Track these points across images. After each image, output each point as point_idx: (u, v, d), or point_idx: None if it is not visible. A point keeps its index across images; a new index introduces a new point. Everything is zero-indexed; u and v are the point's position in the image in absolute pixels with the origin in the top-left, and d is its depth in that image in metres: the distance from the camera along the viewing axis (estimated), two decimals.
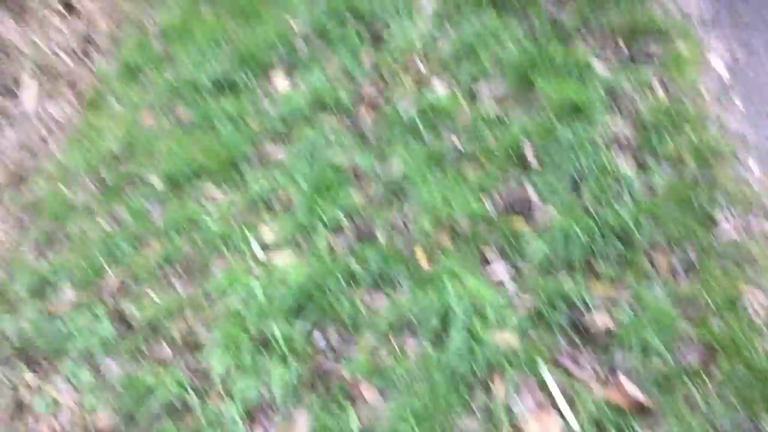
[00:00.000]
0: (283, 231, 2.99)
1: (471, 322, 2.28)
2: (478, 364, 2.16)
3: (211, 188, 3.42)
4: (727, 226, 2.41)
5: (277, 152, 3.47)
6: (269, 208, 3.18)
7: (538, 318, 2.27)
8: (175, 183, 3.53)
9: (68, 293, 3.29)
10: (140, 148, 3.76)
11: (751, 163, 2.78)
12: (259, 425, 2.33)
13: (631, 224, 2.45)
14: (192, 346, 2.74)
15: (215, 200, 3.36)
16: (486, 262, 2.56)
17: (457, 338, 2.23)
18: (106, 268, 3.26)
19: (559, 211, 2.59)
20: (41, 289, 3.41)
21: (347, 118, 3.52)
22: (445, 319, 2.33)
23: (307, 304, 2.60)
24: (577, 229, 2.45)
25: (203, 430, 2.34)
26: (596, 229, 2.45)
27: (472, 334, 2.25)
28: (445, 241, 2.68)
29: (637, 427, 1.85)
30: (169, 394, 2.48)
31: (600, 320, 2.17)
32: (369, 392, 2.25)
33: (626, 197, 2.59)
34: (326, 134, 3.39)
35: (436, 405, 2.09)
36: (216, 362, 2.49)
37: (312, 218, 2.97)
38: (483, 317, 2.29)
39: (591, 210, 2.55)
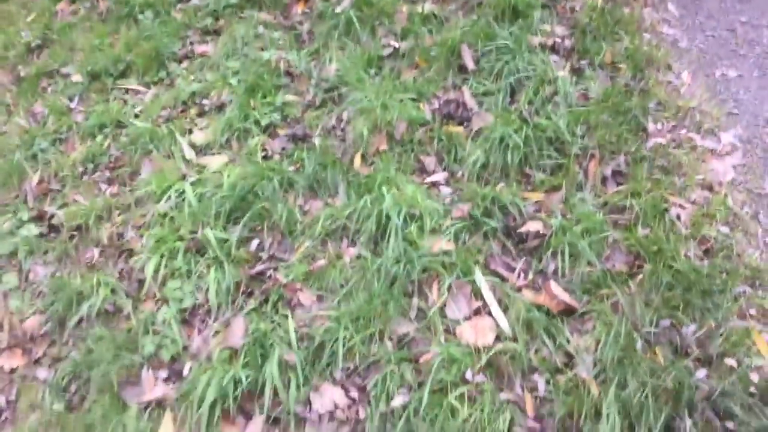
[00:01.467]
0: (215, 133, 2.84)
1: (407, 228, 2.25)
2: (414, 269, 2.14)
3: (136, 86, 3.20)
4: (658, 135, 2.41)
5: (206, 49, 3.26)
6: (200, 108, 3.00)
7: (472, 224, 2.25)
8: (96, 79, 3.28)
9: None
10: (57, 41, 3.46)
11: (683, 71, 2.78)
12: (195, 329, 2.28)
13: (564, 131, 2.43)
14: (122, 250, 2.62)
15: (141, 99, 3.15)
16: (423, 168, 2.51)
17: (393, 244, 2.20)
18: (27, 169, 3.05)
19: (496, 117, 2.54)
20: None
21: (280, 13, 3.31)
22: (382, 225, 2.29)
23: (241, 208, 2.50)
24: (514, 136, 2.41)
25: (136, 332, 2.27)
26: (531, 135, 2.42)
27: (408, 240, 2.22)
28: (382, 146, 2.60)
29: (564, 329, 1.90)
30: (100, 298, 2.38)
31: (532, 226, 2.18)
32: (306, 297, 2.22)
33: (561, 104, 2.56)
34: (258, 31, 3.18)
35: (373, 309, 2.08)
36: (148, 267, 2.39)
37: (245, 120, 2.82)
38: (419, 223, 2.26)
39: (526, 116, 2.51)
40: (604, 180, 2.32)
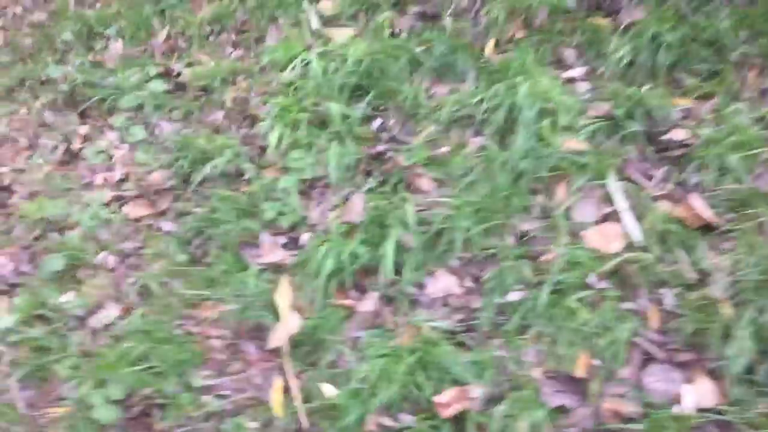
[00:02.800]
0: (344, 4, 2.72)
1: (539, 122, 2.12)
2: (542, 167, 2.04)
3: None
4: None
5: None
6: None
7: (611, 125, 2.10)
8: None
9: (117, 46, 3.11)
10: None
11: None
12: (314, 200, 2.28)
13: (725, 34, 2.18)
14: (245, 115, 2.62)
15: None
16: (561, 61, 2.34)
17: (522, 138, 2.09)
18: (155, 23, 3.05)
19: (649, 12, 2.30)
20: (88, 38, 3.24)
21: None
22: (512, 118, 2.17)
23: (366, 85, 2.43)
24: (667, 35, 2.19)
25: (257, 197, 2.29)
26: (687, 35, 2.19)
27: (539, 136, 2.11)
28: (519, 33, 2.42)
29: (702, 245, 1.78)
30: (224, 159, 2.40)
31: (677, 134, 2.01)
32: (426, 182, 2.16)
33: (724, 4, 2.29)
34: None
35: (496, 202, 2.01)
36: (272, 135, 2.38)
37: None
38: (553, 119, 2.13)
39: (684, 14, 2.27)
40: (763, 93, 2.09)
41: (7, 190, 2.82)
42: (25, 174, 2.82)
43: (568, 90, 2.23)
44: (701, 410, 1.57)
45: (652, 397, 1.62)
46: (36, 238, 2.59)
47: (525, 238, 1.95)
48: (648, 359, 1.69)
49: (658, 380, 1.65)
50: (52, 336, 2.23)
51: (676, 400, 1.61)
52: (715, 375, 1.61)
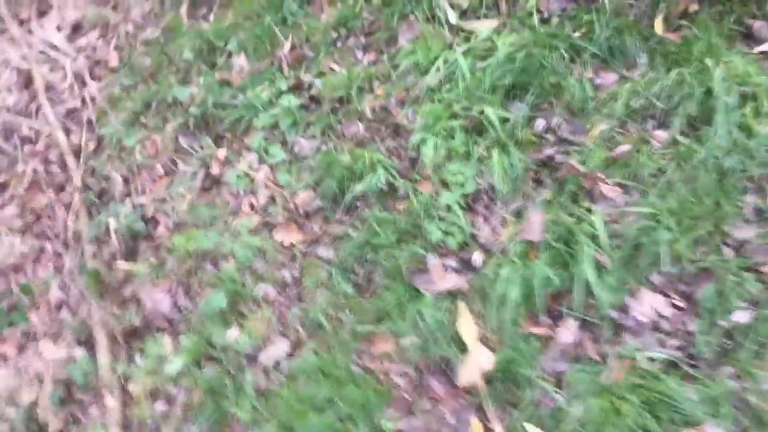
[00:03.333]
0: None
1: (739, 108, 1.87)
2: (752, 162, 1.79)
3: None
4: None
5: None
6: None
7: None
8: None
9: (241, 61, 3.03)
10: None
11: None
12: (480, 216, 2.12)
13: None
14: (387, 125, 2.48)
15: None
16: (749, 35, 2.05)
17: (722, 130, 1.84)
18: (278, 33, 2.94)
19: None
20: (208, 54, 3.17)
21: None
22: (703, 105, 1.92)
23: (522, 82, 2.23)
24: None
25: (416, 215, 2.15)
26: None
27: (740, 125, 1.85)
28: (693, 5, 2.15)
29: None
30: (377, 176, 2.27)
31: None
32: (609, 188, 1.96)
33: None
34: None
35: (700, 208, 1.78)
36: (426, 147, 2.23)
37: None
38: (755, 105, 1.87)
39: None
40: None
41: (152, 221, 2.82)
42: (167, 203, 2.80)
43: (765, 68, 1.95)
44: None
45: None
46: (189, 271, 2.57)
47: (743, 248, 1.72)
48: None
49: None
50: (224, 376, 2.20)
51: None
52: None
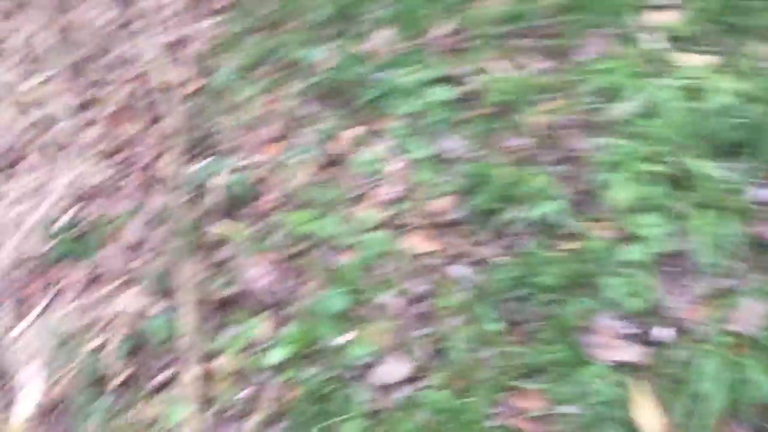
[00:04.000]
0: (701, 20, 2.21)
1: None
2: None
3: None
4: None
5: None
6: None
7: None
8: None
9: (386, 34, 2.74)
10: None
11: None
12: (670, 283, 1.85)
13: None
14: (562, 149, 2.20)
15: None
16: None
17: None
18: (433, 15, 2.64)
19: None
20: (345, 18, 2.88)
21: None
22: None
23: (744, 140, 1.95)
24: None
25: (590, 264, 1.88)
26: None
27: None
28: None
29: None
30: (541, 202, 2.00)
31: None
32: None
33: None
34: None
35: None
36: (615, 186, 1.95)
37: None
38: None
39: None
40: None
41: (257, 187, 2.54)
42: (277, 172, 2.52)
43: None
44: None
45: None
46: (298, 254, 2.30)
47: None
48: None
49: None
50: (331, 383, 1.94)
51: None
52: None
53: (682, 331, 1.75)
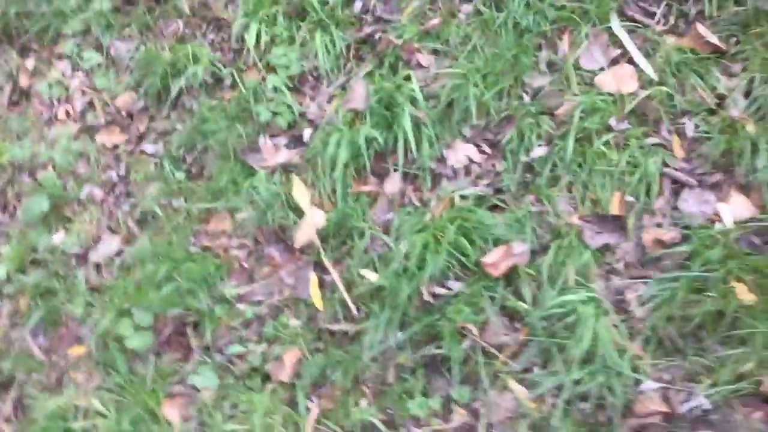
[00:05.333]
0: None
1: None
2: (544, 21, 2.09)
3: None
4: None
5: None
6: None
7: None
8: None
9: None
10: None
11: None
12: (306, 96, 2.28)
13: None
14: (209, 20, 2.55)
15: None
16: None
17: None
18: None
19: None
20: None
21: None
22: None
23: None
24: None
25: (246, 101, 2.27)
26: None
27: None
28: None
29: (715, 71, 1.88)
30: (200, 68, 2.35)
31: None
32: (424, 57, 2.19)
33: None
34: None
35: (502, 64, 2.05)
36: (249, 34, 2.34)
37: None
38: None
39: None
40: None
41: None
42: None
43: None
44: (739, 223, 1.70)
45: (690, 221, 1.74)
46: (4, 186, 2.51)
47: (539, 95, 2.01)
48: (680, 187, 1.81)
49: (692, 204, 1.78)
50: (54, 278, 2.21)
51: (714, 219, 1.74)
52: (747, 189, 1.74)
53: (318, 127, 2.18)
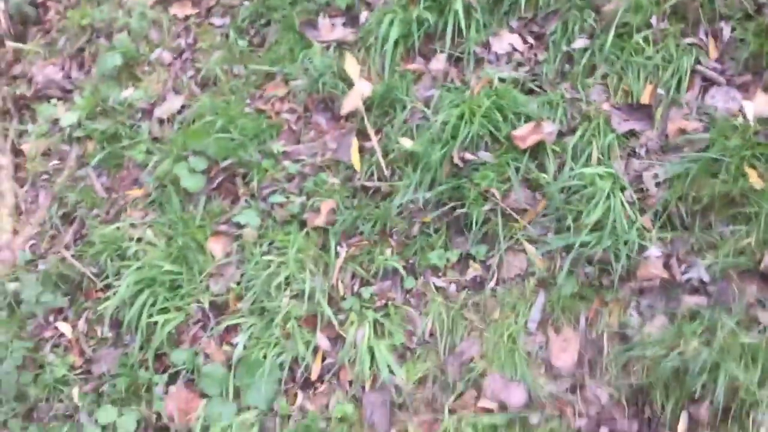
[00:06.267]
0: None
1: None
2: None
3: None
4: None
5: None
6: None
7: None
8: None
9: None
10: None
11: None
12: None
13: None
14: None
15: None
16: None
17: None
18: None
19: None
20: None
21: None
22: None
23: None
24: None
25: None
26: None
27: None
28: None
29: None
30: None
31: None
32: None
33: None
34: None
35: None
36: None
37: None
38: None
39: None
40: None
41: (42, 6, 2.89)
42: None
43: None
44: (761, 120, 1.78)
45: (714, 115, 1.82)
46: (82, 47, 2.70)
47: None
48: (709, 85, 1.89)
49: (719, 101, 1.86)
50: (120, 127, 2.39)
51: (737, 115, 1.81)
52: None
53: (373, 10, 2.29)
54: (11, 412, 1.92)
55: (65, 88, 2.65)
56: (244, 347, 1.89)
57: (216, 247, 2.09)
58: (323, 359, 1.87)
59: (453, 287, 1.88)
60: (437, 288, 1.89)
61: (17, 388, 1.94)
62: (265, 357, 1.86)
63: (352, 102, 2.16)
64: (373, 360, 1.81)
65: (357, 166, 2.10)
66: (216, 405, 1.81)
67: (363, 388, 1.82)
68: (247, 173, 2.18)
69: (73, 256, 2.20)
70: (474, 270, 1.88)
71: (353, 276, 1.96)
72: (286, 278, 1.95)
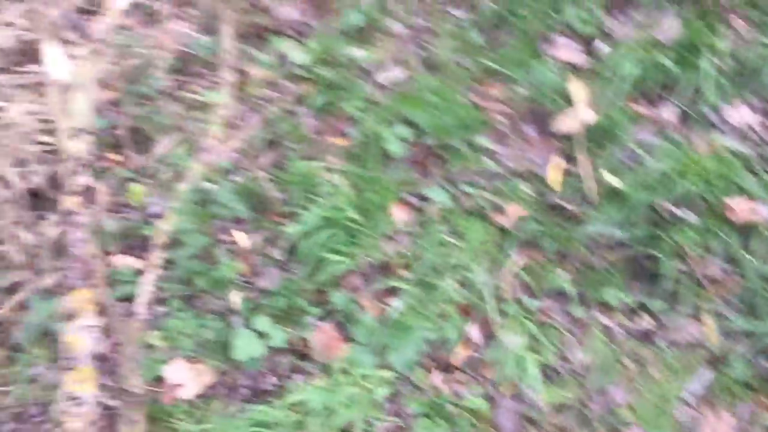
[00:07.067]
0: None
1: None
2: None
3: None
4: None
5: None
6: None
7: None
8: None
9: None
10: None
11: None
12: (620, 18, 2.38)
13: None
14: None
15: None
16: None
17: None
18: None
19: None
20: None
21: None
22: None
23: None
24: None
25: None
26: None
27: None
28: None
29: None
30: None
31: None
32: (741, 22, 2.21)
33: None
34: None
35: None
36: None
37: None
38: None
39: None
40: None
41: None
42: None
43: None
44: None
45: None
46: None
47: None
48: None
49: None
50: (342, 79, 2.50)
51: None
52: None
53: (615, 45, 2.29)
54: (177, 292, 2.05)
55: (301, 30, 2.79)
56: (400, 312, 1.93)
57: (399, 212, 2.14)
58: (469, 350, 1.89)
59: (618, 330, 1.84)
60: (603, 325, 1.85)
61: (188, 273, 2.07)
62: (415, 327, 1.89)
63: (569, 124, 2.17)
64: (518, 369, 1.80)
65: (555, 185, 2.10)
66: (360, 352, 1.86)
67: (499, 391, 1.81)
68: (447, 157, 2.23)
69: (266, 178, 2.32)
70: (647, 322, 1.84)
71: (522, 285, 1.96)
72: (458, 263, 1.97)
